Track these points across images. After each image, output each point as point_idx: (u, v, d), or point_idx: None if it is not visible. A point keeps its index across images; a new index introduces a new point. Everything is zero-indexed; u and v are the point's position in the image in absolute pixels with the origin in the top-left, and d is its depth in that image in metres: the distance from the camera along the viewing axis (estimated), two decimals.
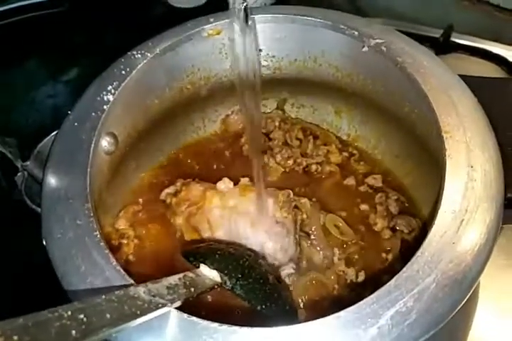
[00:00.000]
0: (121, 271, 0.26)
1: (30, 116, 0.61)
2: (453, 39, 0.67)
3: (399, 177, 0.44)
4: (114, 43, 0.69)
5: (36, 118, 0.60)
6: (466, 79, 0.35)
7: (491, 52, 0.67)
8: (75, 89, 0.66)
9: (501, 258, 0.49)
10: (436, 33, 0.66)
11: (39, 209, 0.30)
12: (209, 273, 0.31)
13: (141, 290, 0.24)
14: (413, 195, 0.43)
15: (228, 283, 0.31)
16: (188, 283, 0.28)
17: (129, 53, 0.38)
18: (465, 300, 0.26)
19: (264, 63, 0.46)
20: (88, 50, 0.71)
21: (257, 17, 0.41)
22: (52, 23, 0.72)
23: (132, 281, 0.26)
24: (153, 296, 0.24)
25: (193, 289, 0.28)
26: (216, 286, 0.31)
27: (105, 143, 0.36)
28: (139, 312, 0.23)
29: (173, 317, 0.24)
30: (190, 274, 0.29)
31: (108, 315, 0.22)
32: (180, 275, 0.29)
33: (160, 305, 0.24)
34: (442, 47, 0.66)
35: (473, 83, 0.35)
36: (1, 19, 0.71)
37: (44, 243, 0.28)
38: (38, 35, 0.70)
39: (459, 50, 0.67)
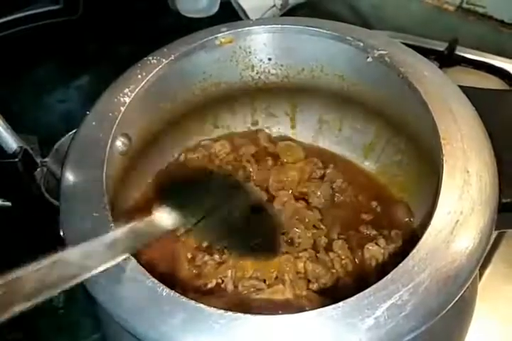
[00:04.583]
0: (133, 259, 0.28)
1: (43, 118, 0.63)
2: (457, 52, 0.69)
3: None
4: (125, 52, 0.72)
5: (50, 120, 0.62)
6: (465, 89, 0.37)
7: (494, 65, 0.68)
8: (87, 95, 0.68)
9: (502, 266, 0.50)
10: (442, 47, 0.68)
11: (57, 202, 0.31)
12: (166, 218, 0.31)
13: (73, 254, 0.24)
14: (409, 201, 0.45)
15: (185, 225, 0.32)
16: (134, 234, 0.28)
17: (145, 58, 0.40)
18: (458, 296, 0.27)
19: (272, 72, 0.48)
20: (100, 57, 0.73)
21: (267, 27, 0.44)
22: (65, 30, 0.74)
23: (143, 269, 0.28)
24: (87, 258, 0.24)
25: (137, 242, 0.28)
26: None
27: (119, 143, 0.38)
28: (65, 280, 0.23)
29: (183, 305, 0.26)
30: (140, 224, 0.29)
31: (29, 287, 0.22)
32: (129, 225, 0.28)
33: (93, 269, 0.25)
34: (447, 60, 0.68)
35: (472, 93, 0.36)
36: (16, 26, 0.73)
37: (61, 233, 0.30)
38: (52, 42, 0.73)
39: (463, 64, 0.69)
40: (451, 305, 0.27)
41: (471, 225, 0.29)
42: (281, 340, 0.25)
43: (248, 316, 0.25)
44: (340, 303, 0.25)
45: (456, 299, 0.27)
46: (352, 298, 0.25)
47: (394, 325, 0.25)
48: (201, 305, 0.26)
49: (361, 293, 0.26)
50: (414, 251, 0.27)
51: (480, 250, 0.28)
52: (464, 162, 0.31)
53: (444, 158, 0.31)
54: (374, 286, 0.26)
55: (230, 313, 0.25)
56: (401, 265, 0.27)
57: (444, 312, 0.26)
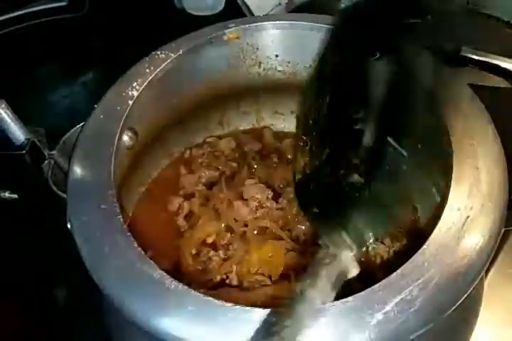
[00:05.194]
0: (142, 253, 0.28)
1: (50, 113, 0.63)
2: (463, 53, 0.68)
3: None
4: (130, 49, 0.71)
5: (56, 115, 0.62)
6: (474, 87, 0.37)
7: (498, 66, 0.68)
8: (93, 91, 0.68)
9: (507, 267, 0.49)
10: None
11: (64, 195, 0.31)
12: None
13: None
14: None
15: None
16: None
17: (153, 53, 0.40)
18: (468, 293, 0.27)
19: (279, 68, 0.48)
20: (105, 54, 0.73)
21: (275, 23, 0.44)
22: (70, 27, 0.74)
23: (152, 262, 0.28)
24: None
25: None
26: None
27: (126, 137, 0.38)
28: None
29: (191, 298, 0.26)
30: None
31: None
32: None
33: None
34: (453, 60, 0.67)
35: (480, 91, 0.36)
36: (21, 22, 0.73)
37: (69, 226, 0.30)
38: (57, 38, 0.72)
39: (468, 64, 0.69)
40: (460, 302, 0.26)
41: (481, 221, 0.28)
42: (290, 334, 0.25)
43: (256, 309, 0.25)
44: (350, 298, 0.25)
45: (466, 295, 0.27)
46: (361, 293, 0.25)
47: (403, 320, 0.25)
48: (209, 298, 0.25)
49: (370, 288, 0.25)
50: (425, 246, 0.27)
51: (490, 246, 0.28)
52: (473, 158, 0.31)
53: (454, 155, 0.31)
54: (384, 281, 0.26)
55: (238, 306, 0.25)
56: (411, 260, 0.27)
57: (454, 308, 0.26)
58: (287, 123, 0.52)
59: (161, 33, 0.51)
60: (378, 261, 0.41)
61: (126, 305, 0.26)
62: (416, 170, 0.26)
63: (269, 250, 0.41)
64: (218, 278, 0.40)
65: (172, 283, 0.26)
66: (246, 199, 0.44)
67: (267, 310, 0.25)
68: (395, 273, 0.26)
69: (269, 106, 0.51)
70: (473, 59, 0.68)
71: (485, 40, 0.73)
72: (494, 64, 0.68)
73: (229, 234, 0.42)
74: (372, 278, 0.40)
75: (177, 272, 0.40)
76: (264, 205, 0.44)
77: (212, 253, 0.41)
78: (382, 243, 0.42)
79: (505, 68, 0.68)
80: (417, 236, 0.42)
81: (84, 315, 0.47)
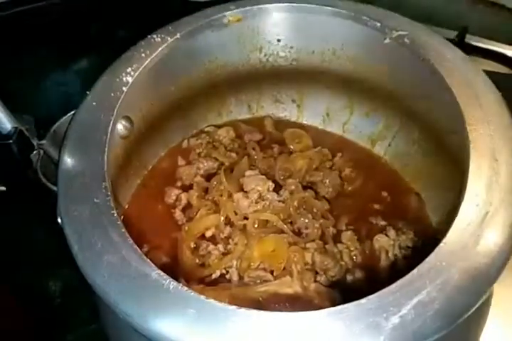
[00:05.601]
0: (138, 250, 0.26)
1: (42, 100, 0.61)
2: (467, 41, 0.67)
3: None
4: (126, 35, 0.69)
5: (48, 102, 0.60)
6: (488, 74, 0.35)
7: (504, 54, 0.67)
8: (87, 78, 0.66)
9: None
10: (451, 35, 0.66)
11: (54, 187, 0.29)
12: None
13: None
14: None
15: None
16: None
17: (149, 36, 0.38)
18: (488, 292, 0.25)
19: (281, 54, 0.45)
20: (101, 41, 0.70)
21: (279, 5, 0.41)
22: (66, 12, 0.71)
23: (148, 260, 0.26)
24: None
25: None
26: None
27: (120, 126, 0.36)
28: None
29: (192, 300, 0.24)
30: None
31: None
32: None
33: None
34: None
35: (492, 78, 0.35)
36: (15, 6, 0.70)
37: (59, 220, 0.28)
38: (54, 24, 0.70)
39: (472, 52, 0.67)
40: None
41: (501, 216, 0.27)
42: (299, 340, 0.23)
43: (262, 313, 0.23)
44: (363, 300, 0.23)
45: (485, 296, 0.25)
46: (376, 294, 0.23)
47: (421, 323, 0.23)
48: (212, 301, 0.23)
49: (385, 289, 0.24)
50: (442, 244, 0.25)
51: (510, 244, 0.26)
52: (491, 149, 0.29)
53: (471, 145, 0.29)
54: (399, 282, 0.24)
55: (243, 310, 0.23)
56: (427, 259, 0.25)
57: (473, 310, 0.24)
58: (288, 113, 0.50)
59: (159, 20, 0.49)
60: (383, 256, 0.40)
61: (121, 306, 0.24)
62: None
63: (270, 244, 0.39)
64: (218, 273, 0.38)
65: (171, 284, 0.24)
66: (246, 191, 0.42)
67: (275, 314, 0.23)
68: (410, 273, 0.24)
69: (270, 94, 0.49)
70: (477, 47, 0.67)
71: (490, 28, 0.71)
72: (499, 52, 0.67)
73: (228, 228, 0.40)
74: (378, 276, 0.39)
75: (174, 267, 0.39)
76: (264, 197, 0.42)
77: (211, 247, 0.39)
78: (387, 235, 0.41)
79: (510, 57, 0.66)
80: (426, 232, 0.40)
81: (78, 309, 0.46)
